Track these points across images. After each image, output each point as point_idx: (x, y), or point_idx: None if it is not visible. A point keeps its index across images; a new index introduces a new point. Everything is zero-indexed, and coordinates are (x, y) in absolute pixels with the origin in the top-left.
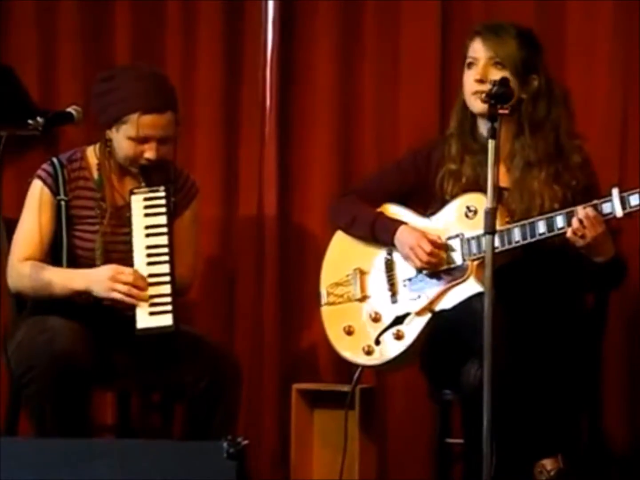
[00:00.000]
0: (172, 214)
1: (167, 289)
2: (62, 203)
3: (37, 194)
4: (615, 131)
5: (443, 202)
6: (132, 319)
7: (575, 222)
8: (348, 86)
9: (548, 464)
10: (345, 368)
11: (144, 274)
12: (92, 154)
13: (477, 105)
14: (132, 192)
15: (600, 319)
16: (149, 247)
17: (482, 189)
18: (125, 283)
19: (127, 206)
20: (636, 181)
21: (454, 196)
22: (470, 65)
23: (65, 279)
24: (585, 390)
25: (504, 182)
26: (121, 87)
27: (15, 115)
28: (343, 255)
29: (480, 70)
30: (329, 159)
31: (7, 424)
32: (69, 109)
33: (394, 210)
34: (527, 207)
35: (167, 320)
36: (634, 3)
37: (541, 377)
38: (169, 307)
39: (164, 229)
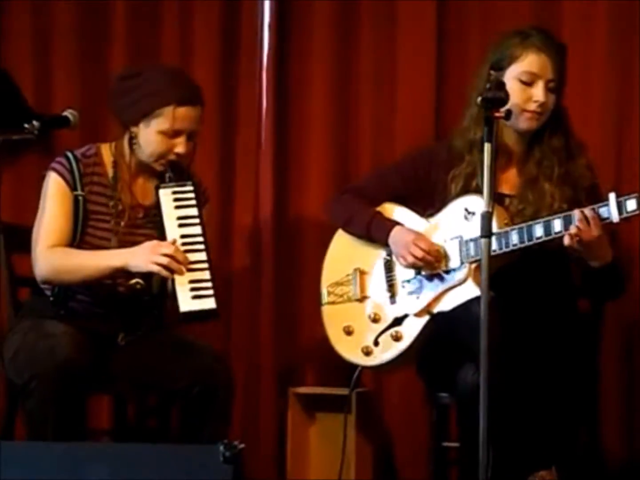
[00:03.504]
0: (202, 207)
1: (206, 274)
2: (80, 198)
3: (56, 186)
4: (612, 133)
5: (443, 203)
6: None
7: (572, 227)
8: (344, 87)
9: (545, 475)
10: (342, 372)
11: None
12: (107, 151)
13: (527, 124)
14: (158, 187)
15: (595, 328)
16: (183, 236)
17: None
18: (165, 255)
19: (138, 206)
20: (632, 181)
21: (457, 196)
22: (528, 81)
23: (101, 258)
24: (582, 401)
25: (511, 187)
26: (151, 81)
27: (10, 118)
28: (344, 254)
29: (542, 92)
30: (326, 160)
31: (3, 429)
32: (65, 113)
33: (393, 209)
34: (538, 207)
35: (210, 303)
36: (631, 4)
37: (538, 385)
38: (211, 292)
39: (197, 220)
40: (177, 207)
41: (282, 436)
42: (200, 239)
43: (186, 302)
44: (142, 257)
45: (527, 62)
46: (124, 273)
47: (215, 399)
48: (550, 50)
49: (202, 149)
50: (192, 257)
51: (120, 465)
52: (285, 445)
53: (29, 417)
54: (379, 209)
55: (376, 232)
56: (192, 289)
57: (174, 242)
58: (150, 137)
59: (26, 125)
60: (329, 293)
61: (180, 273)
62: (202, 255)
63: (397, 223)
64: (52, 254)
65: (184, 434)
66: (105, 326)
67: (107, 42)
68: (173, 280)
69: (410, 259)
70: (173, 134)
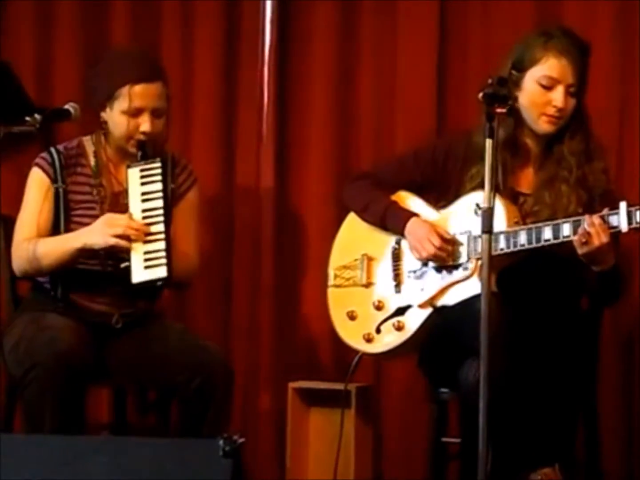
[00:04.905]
0: (168, 183)
1: (161, 245)
2: (60, 190)
3: (36, 180)
4: (613, 133)
5: (456, 197)
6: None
7: (581, 230)
8: (345, 85)
9: (550, 473)
10: (342, 366)
11: None
12: (89, 143)
13: (545, 127)
14: (128, 166)
15: (595, 326)
16: (144, 210)
17: (501, 193)
18: (120, 226)
19: (125, 192)
20: (632, 181)
21: (470, 191)
22: (547, 85)
23: (63, 242)
24: (581, 399)
25: (527, 186)
26: (108, 66)
27: (12, 111)
28: (354, 238)
29: (562, 97)
30: (326, 158)
31: (3, 422)
32: (66, 106)
33: (407, 198)
34: (554, 210)
35: (161, 272)
36: (633, 4)
37: (539, 381)
38: (164, 260)
39: (160, 194)
40: (143, 183)
41: (281, 430)
42: (161, 211)
43: (138, 274)
44: (99, 233)
45: (548, 66)
46: (88, 252)
47: (215, 393)
48: (571, 54)
49: (203, 146)
50: (150, 229)
51: (119, 459)
52: (284, 440)
53: (26, 407)
54: (393, 197)
55: (391, 223)
56: (146, 260)
57: (129, 216)
58: (115, 119)
59: (28, 118)
60: (335, 276)
61: (139, 240)
62: (160, 227)
63: (413, 214)
64: (24, 247)
65: (184, 428)
66: (104, 312)
67: (109, 36)
68: (130, 252)
69: (424, 255)
70: (135, 112)
